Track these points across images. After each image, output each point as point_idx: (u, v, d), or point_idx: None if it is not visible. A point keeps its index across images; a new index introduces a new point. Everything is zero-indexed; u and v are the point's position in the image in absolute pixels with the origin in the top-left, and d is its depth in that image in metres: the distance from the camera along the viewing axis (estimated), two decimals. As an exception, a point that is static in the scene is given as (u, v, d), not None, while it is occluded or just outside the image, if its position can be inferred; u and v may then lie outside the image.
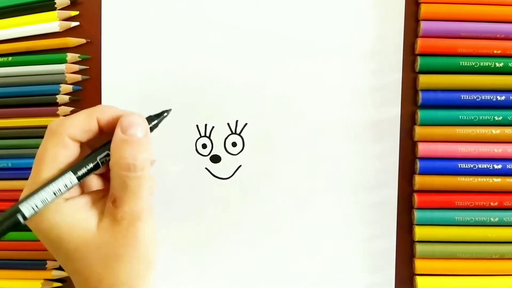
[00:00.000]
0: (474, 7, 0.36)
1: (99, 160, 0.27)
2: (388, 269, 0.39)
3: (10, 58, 0.39)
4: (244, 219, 0.39)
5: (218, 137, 0.39)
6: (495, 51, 0.37)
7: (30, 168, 0.38)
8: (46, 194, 0.26)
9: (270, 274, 0.39)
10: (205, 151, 0.39)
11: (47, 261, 0.39)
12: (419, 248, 0.38)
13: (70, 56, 0.39)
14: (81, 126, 0.27)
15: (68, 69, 0.39)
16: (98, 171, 0.28)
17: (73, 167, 0.27)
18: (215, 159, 0.39)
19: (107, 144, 0.28)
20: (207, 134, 0.39)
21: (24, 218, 0.26)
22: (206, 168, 0.39)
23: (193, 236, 0.39)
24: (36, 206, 0.26)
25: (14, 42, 0.39)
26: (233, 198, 0.39)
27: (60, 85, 0.39)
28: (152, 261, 0.29)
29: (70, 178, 0.26)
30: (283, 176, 0.39)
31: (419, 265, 0.38)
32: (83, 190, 0.30)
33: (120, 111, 0.28)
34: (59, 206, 0.27)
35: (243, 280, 0.39)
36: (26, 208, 0.26)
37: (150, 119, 0.29)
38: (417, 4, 0.37)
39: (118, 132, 0.27)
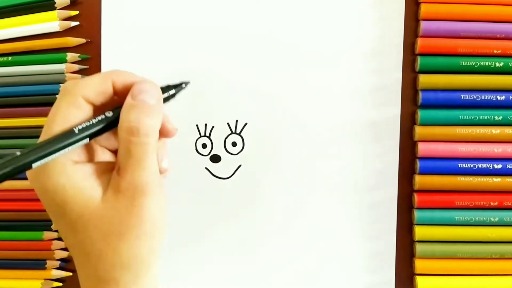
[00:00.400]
0: (474, 7, 0.36)
1: (107, 120, 0.26)
2: (388, 269, 0.39)
3: (10, 58, 0.39)
4: (244, 219, 0.39)
5: (218, 137, 0.39)
6: (495, 51, 0.37)
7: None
8: (56, 144, 0.24)
9: (270, 274, 0.39)
10: (205, 151, 0.39)
11: (47, 261, 0.39)
12: (419, 248, 0.38)
13: (70, 55, 0.39)
14: (95, 87, 0.26)
15: (68, 68, 0.38)
16: (105, 135, 0.27)
17: (82, 124, 0.25)
18: (215, 159, 0.39)
19: (118, 108, 0.26)
20: (207, 134, 0.39)
21: (32, 162, 0.24)
22: (206, 168, 0.39)
23: (193, 235, 0.39)
24: (45, 154, 0.24)
25: (14, 42, 0.39)
26: (233, 198, 0.39)
27: (60, 85, 0.39)
28: (156, 244, 0.26)
29: (79, 134, 0.25)
30: (283, 176, 0.39)
31: (419, 265, 0.38)
32: (93, 158, 0.28)
33: (136, 77, 0.27)
34: (66, 168, 0.25)
35: (243, 280, 0.39)
36: (34, 154, 0.24)
37: (167, 88, 0.28)
38: (417, 4, 0.37)
39: (128, 97, 0.26)
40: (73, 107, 0.26)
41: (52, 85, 0.38)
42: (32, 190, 0.39)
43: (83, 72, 0.39)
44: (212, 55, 0.38)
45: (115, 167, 0.26)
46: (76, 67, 0.39)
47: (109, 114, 0.26)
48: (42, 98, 0.39)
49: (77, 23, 0.39)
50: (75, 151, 0.26)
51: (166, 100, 0.28)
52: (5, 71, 0.39)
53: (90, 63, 0.39)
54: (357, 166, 0.38)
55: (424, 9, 0.37)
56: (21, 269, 0.39)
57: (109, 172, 0.26)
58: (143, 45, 0.38)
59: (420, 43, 0.37)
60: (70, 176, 0.25)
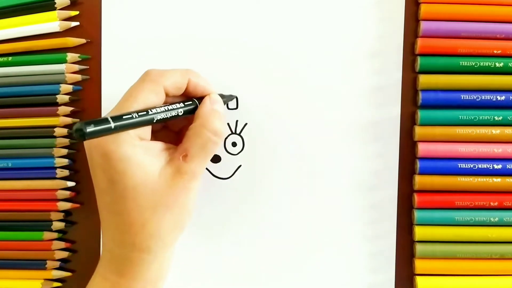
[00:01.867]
0: (474, 7, 0.36)
1: (181, 112, 0.31)
2: (388, 269, 0.39)
3: (10, 58, 0.39)
4: (244, 219, 0.39)
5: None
6: (495, 51, 0.37)
7: (30, 168, 0.39)
8: (135, 120, 0.28)
9: (270, 274, 0.39)
10: (205, 151, 0.39)
11: (47, 261, 0.39)
12: (419, 248, 0.38)
13: (70, 56, 0.39)
14: (176, 81, 0.31)
15: (68, 69, 0.39)
16: (172, 122, 0.32)
17: (161, 108, 0.30)
18: (215, 159, 0.39)
19: (188, 103, 0.32)
20: (207, 134, 0.39)
21: (114, 129, 0.27)
22: (206, 168, 0.39)
23: (192, 235, 0.39)
24: (125, 125, 0.27)
25: (14, 42, 0.39)
26: (233, 198, 0.39)
27: (60, 85, 0.39)
28: (185, 224, 0.31)
29: (157, 116, 0.29)
30: (283, 176, 0.39)
31: (419, 265, 0.38)
32: (153, 138, 0.32)
33: (207, 83, 0.33)
34: (134, 141, 0.29)
35: (243, 280, 0.39)
36: (117, 122, 0.27)
37: (220, 96, 0.34)
38: (417, 4, 0.38)
39: (208, 103, 0.32)
40: (154, 94, 0.30)
41: (52, 86, 0.39)
42: (32, 190, 0.40)
43: (83, 73, 0.39)
44: (212, 55, 0.38)
45: (179, 151, 0.30)
46: (76, 67, 0.39)
47: (187, 107, 0.31)
48: (42, 99, 0.39)
49: (77, 23, 0.39)
50: (142, 129, 0.30)
51: None
52: (5, 71, 0.39)
53: (90, 63, 0.39)
54: (357, 166, 0.38)
55: (424, 9, 0.37)
56: (21, 269, 0.39)
57: (167, 151, 0.31)
58: (143, 45, 0.38)
59: (420, 43, 0.37)
60: (136, 149, 0.29)
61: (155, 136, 0.33)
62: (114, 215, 0.30)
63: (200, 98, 0.33)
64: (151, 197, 0.29)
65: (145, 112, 0.29)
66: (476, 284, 0.38)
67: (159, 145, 0.31)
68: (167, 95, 0.31)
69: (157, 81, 0.30)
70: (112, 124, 0.26)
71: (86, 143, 0.30)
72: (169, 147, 0.31)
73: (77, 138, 0.25)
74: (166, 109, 0.30)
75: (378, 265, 0.39)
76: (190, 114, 0.32)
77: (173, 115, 0.31)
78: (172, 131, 0.35)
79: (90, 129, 0.25)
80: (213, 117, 0.31)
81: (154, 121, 0.29)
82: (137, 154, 0.29)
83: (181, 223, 0.31)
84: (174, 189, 0.29)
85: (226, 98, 0.36)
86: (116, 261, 0.30)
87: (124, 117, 0.27)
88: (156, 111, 0.29)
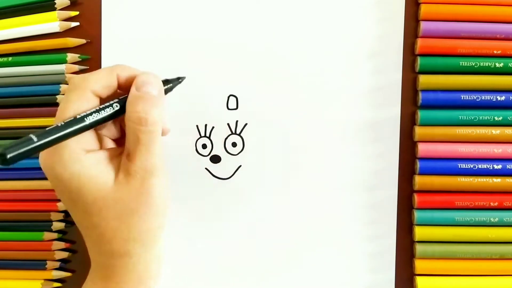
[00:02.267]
0: (474, 7, 0.36)
1: (112, 108, 0.29)
2: (388, 269, 0.39)
3: (10, 58, 0.39)
4: (244, 219, 0.39)
5: (218, 137, 0.39)
6: (495, 51, 0.37)
7: (30, 168, 0.39)
8: (64, 132, 0.26)
9: (270, 274, 0.39)
10: (205, 151, 0.39)
11: (47, 262, 0.39)
12: (419, 248, 0.38)
13: (70, 56, 0.39)
14: (102, 81, 0.29)
15: (68, 69, 0.39)
16: (107, 126, 0.30)
17: (89, 113, 0.28)
18: (215, 159, 0.39)
19: (121, 98, 0.29)
20: (207, 134, 0.39)
21: (40, 146, 0.26)
22: (206, 168, 0.39)
23: (192, 235, 0.39)
24: (51, 141, 0.26)
25: (14, 42, 0.39)
26: (233, 198, 0.39)
27: (60, 85, 0.39)
28: (163, 219, 0.30)
29: (87, 116, 0.27)
30: (283, 177, 0.39)
31: (419, 265, 0.38)
32: (102, 146, 0.31)
33: (138, 71, 0.30)
34: (80, 157, 0.28)
35: (243, 280, 0.39)
36: (40, 136, 0.26)
37: (166, 82, 0.31)
38: (417, 4, 0.37)
39: (133, 89, 0.29)
40: (83, 101, 0.28)
41: (52, 86, 0.39)
42: (32, 190, 0.40)
43: (83, 73, 0.39)
44: (212, 55, 0.38)
45: (124, 152, 0.29)
46: (76, 67, 0.39)
47: (116, 105, 0.29)
48: (43, 99, 0.39)
49: (77, 23, 0.39)
50: (85, 141, 0.28)
51: (164, 93, 0.30)
52: (5, 71, 0.39)
53: (90, 63, 0.39)
54: (357, 166, 0.38)
55: (424, 9, 0.37)
56: (21, 269, 0.39)
57: (116, 158, 0.29)
58: (143, 45, 0.38)
59: (420, 43, 0.37)
60: (84, 163, 0.27)
61: (117, 142, 0.32)
62: (85, 229, 0.29)
63: None
64: (114, 207, 0.28)
65: (71, 119, 0.27)
66: (476, 284, 0.38)
67: (109, 152, 0.29)
68: (100, 97, 0.29)
69: (82, 86, 0.28)
70: (36, 141, 0.25)
71: (42, 167, 0.29)
72: (120, 151, 0.30)
73: (0, 164, 0.24)
74: (97, 109, 0.28)
75: (378, 265, 0.39)
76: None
77: (108, 113, 0.28)
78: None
79: (11, 153, 0.24)
80: (136, 103, 0.28)
81: (87, 124, 0.27)
82: (87, 168, 0.27)
83: (155, 222, 0.29)
84: (132, 192, 0.28)
85: (172, 83, 0.32)
86: (101, 268, 0.30)
87: (48, 130, 0.26)
88: (84, 114, 0.27)
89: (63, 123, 0.27)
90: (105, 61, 0.39)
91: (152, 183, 0.28)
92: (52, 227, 0.39)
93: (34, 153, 0.25)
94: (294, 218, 0.39)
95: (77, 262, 0.40)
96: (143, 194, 0.28)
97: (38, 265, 0.39)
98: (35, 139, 0.25)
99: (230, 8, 0.38)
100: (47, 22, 0.38)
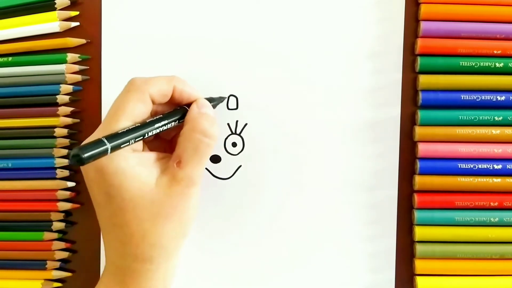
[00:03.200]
0: (474, 7, 0.36)
1: (174, 121, 0.31)
2: (388, 269, 0.39)
3: (10, 58, 0.39)
4: (244, 219, 0.39)
5: (218, 137, 0.39)
6: (495, 51, 0.37)
7: (30, 168, 0.39)
8: (129, 136, 0.28)
9: (270, 274, 0.39)
10: (205, 151, 0.39)
11: (47, 262, 0.39)
12: (419, 248, 0.38)
13: (70, 56, 0.39)
14: (161, 88, 0.31)
15: (68, 69, 0.39)
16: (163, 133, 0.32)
17: (153, 120, 0.30)
18: (215, 159, 0.39)
19: (177, 111, 0.32)
20: (207, 134, 0.39)
21: (110, 150, 0.27)
22: (206, 168, 0.39)
23: (192, 236, 0.39)
24: (120, 145, 0.27)
25: (14, 42, 0.39)
26: (233, 198, 0.39)
27: (60, 85, 0.39)
28: (189, 230, 0.31)
29: (150, 130, 0.29)
30: (283, 176, 0.39)
31: (419, 265, 0.38)
32: (146, 149, 0.32)
33: (193, 89, 0.32)
34: (126, 154, 0.29)
35: (243, 280, 0.39)
36: (113, 143, 0.27)
37: (209, 100, 0.34)
38: (417, 4, 0.38)
39: (195, 107, 0.32)
40: (140, 102, 0.30)
41: (52, 86, 0.39)
42: (32, 190, 0.40)
43: (83, 73, 0.39)
44: (212, 55, 0.38)
45: (173, 159, 0.30)
46: (77, 67, 0.39)
47: (176, 116, 0.31)
48: (43, 99, 0.39)
49: (77, 23, 0.39)
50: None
51: None
52: (5, 71, 0.39)
53: (91, 63, 0.39)
54: (357, 166, 0.38)
55: (424, 9, 0.37)
56: (21, 269, 0.39)
57: (161, 160, 0.31)
58: (143, 45, 0.38)
59: (420, 43, 0.37)
60: (129, 162, 0.29)
61: (148, 146, 0.32)
62: (114, 227, 0.30)
63: (189, 105, 0.33)
64: (150, 208, 0.29)
65: (139, 130, 0.28)
66: (476, 284, 0.38)
67: (152, 155, 0.31)
68: (153, 102, 0.31)
69: (142, 89, 0.30)
70: (109, 146, 0.26)
71: None
72: (163, 156, 0.31)
73: (74, 163, 0.25)
74: (159, 124, 0.30)
75: (378, 265, 0.39)
76: (181, 121, 0.32)
77: (166, 128, 0.31)
78: (164, 139, 0.35)
79: (87, 154, 0.25)
80: (201, 119, 0.31)
81: (147, 136, 0.29)
82: (131, 166, 0.29)
83: (182, 231, 0.30)
84: (172, 198, 0.29)
85: (216, 101, 0.36)
86: (120, 272, 0.30)
87: (119, 139, 0.27)
88: (149, 127, 0.29)
89: (133, 140, 0.28)
90: (105, 61, 0.39)
91: (193, 191, 0.30)
92: (52, 227, 0.39)
93: (102, 156, 0.26)
94: (294, 218, 0.39)
95: (77, 262, 0.40)
96: (182, 201, 0.29)
97: (38, 265, 0.39)
98: (107, 144, 0.26)
99: (230, 8, 0.38)
100: (47, 22, 0.38)
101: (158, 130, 0.30)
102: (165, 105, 0.32)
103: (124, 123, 0.29)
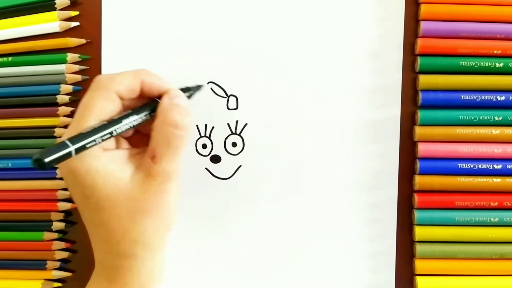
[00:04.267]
0: (474, 7, 0.36)
1: (144, 116, 0.30)
2: (388, 269, 0.39)
3: (10, 58, 0.39)
4: (244, 219, 0.39)
5: (218, 137, 0.39)
6: (495, 51, 0.37)
7: (30, 168, 0.39)
8: (95, 136, 0.27)
9: (270, 274, 0.39)
10: (205, 151, 0.39)
11: (47, 262, 0.39)
12: (419, 248, 0.38)
13: (70, 56, 0.39)
14: (128, 84, 0.30)
15: (68, 69, 0.39)
16: (134, 128, 0.31)
17: (121, 116, 0.29)
18: (215, 159, 0.39)
19: (147, 105, 0.30)
20: (207, 134, 0.39)
21: (75, 152, 0.26)
22: (206, 168, 0.39)
23: (192, 235, 0.39)
24: (85, 145, 0.26)
25: (14, 42, 0.39)
26: (233, 198, 0.39)
27: (60, 85, 0.39)
28: (172, 224, 0.30)
29: (118, 127, 0.28)
30: (283, 176, 0.39)
31: (419, 265, 0.38)
32: (118, 146, 0.31)
33: (162, 81, 0.31)
34: (98, 153, 0.28)
35: (243, 280, 0.39)
36: (77, 144, 0.26)
37: (185, 89, 0.32)
38: (417, 4, 0.38)
39: (166, 98, 0.30)
40: (108, 101, 0.29)
41: (52, 86, 0.39)
42: (32, 190, 0.39)
43: (83, 73, 0.39)
44: (212, 55, 0.38)
45: (147, 154, 0.29)
46: (77, 67, 0.39)
47: (149, 110, 0.30)
48: (43, 99, 0.39)
49: (77, 23, 0.39)
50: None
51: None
52: (5, 71, 0.39)
53: (91, 63, 0.39)
54: (357, 166, 0.38)
55: (424, 9, 0.37)
56: (21, 269, 0.39)
57: (132, 157, 0.30)
58: (143, 45, 0.38)
59: (420, 43, 0.37)
60: (101, 161, 0.28)
61: (128, 142, 0.32)
62: (95, 227, 0.29)
63: (160, 98, 0.31)
64: (127, 205, 0.28)
65: (105, 128, 0.28)
66: (476, 284, 0.38)
67: (125, 152, 0.30)
68: (122, 99, 0.30)
69: (108, 87, 0.29)
70: (72, 148, 0.26)
71: None
72: (137, 152, 0.31)
73: (36, 167, 0.24)
74: (128, 120, 0.29)
75: (378, 265, 0.39)
76: (153, 115, 0.31)
77: (137, 123, 0.30)
78: (145, 134, 0.33)
79: (49, 158, 0.24)
80: (172, 111, 0.30)
81: (116, 133, 0.28)
82: (103, 165, 0.28)
83: (164, 226, 0.30)
84: (149, 193, 0.29)
85: (192, 90, 0.34)
86: (106, 269, 0.30)
87: (83, 139, 0.27)
88: (115, 125, 0.28)
89: (100, 139, 0.27)
90: (105, 61, 0.39)
91: (170, 186, 0.29)
92: (52, 227, 0.39)
93: (66, 159, 0.26)
94: (294, 218, 0.39)
95: (77, 262, 0.40)
96: (159, 196, 0.29)
97: (38, 265, 0.39)
98: (71, 146, 0.26)
99: (230, 8, 0.38)
100: (47, 22, 0.38)
101: (127, 126, 0.29)
102: (137, 99, 0.31)
103: (92, 122, 0.28)
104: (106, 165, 0.28)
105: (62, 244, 0.39)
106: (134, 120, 0.29)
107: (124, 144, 0.32)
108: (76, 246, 0.40)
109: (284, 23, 0.38)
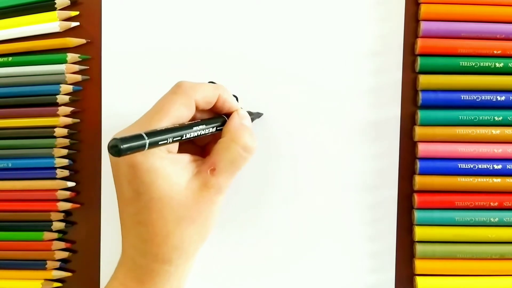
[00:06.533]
0: (474, 7, 0.36)
1: (211, 128, 0.31)
2: (388, 269, 0.39)
3: (10, 58, 0.39)
4: (244, 219, 0.39)
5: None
6: (495, 51, 0.37)
7: (30, 168, 0.39)
8: (168, 135, 0.27)
9: (270, 274, 0.39)
10: (205, 151, 0.39)
11: (47, 262, 0.39)
12: (419, 248, 0.38)
13: (70, 56, 0.39)
14: (207, 96, 0.31)
15: (68, 69, 0.39)
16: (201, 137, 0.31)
17: (192, 123, 0.30)
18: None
19: (216, 119, 0.31)
20: (207, 134, 0.39)
21: (148, 145, 0.26)
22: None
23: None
24: (158, 141, 0.27)
25: (14, 42, 0.39)
26: (233, 198, 0.39)
27: (60, 85, 0.39)
28: (207, 236, 0.31)
29: (188, 132, 0.29)
30: (283, 176, 0.39)
31: (419, 265, 0.38)
32: (180, 151, 0.32)
33: (234, 100, 0.32)
34: (162, 154, 0.29)
35: (243, 280, 0.39)
36: (151, 138, 0.26)
37: (249, 113, 0.33)
38: (417, 4, 0.38)
39: (237, 118, 0.32)
40: (185, 107, 0.30)
41: (52, 86, 0.39)
42: (32, 190, 0.39)
43: (83, 73, 0.39)
44: (212, 54, 0.38)
45: (207, 165, 0.30)
46: (77, 67, 0.39)
47: (218, 124, 0.31)
48: (43, 99, 0.39)
49: (77, 23, 0.39)
50: None
51: None
52: (5, 71, 0.39)
53: (91, 63, 0.39)
54: (357, 166, 0.38)
55: (424, 9, 0.37)
56: (21, 269, 0.39)
57: (191, 164, 0.30)
58: (143, 45, 0.38)
59: (420, 43, 0.37)
60: (164, 161, 0.29)
61: (180, 149, 0.32)
62: (137, 225, 0.29)
63: (227, 115, 0.32)
64: (176, 209, 0.29)
65: (178, 130, 0.28)
66: (476, 284, 0.38)
67: (186, 157, 0.30)
68: (197, 108, 0.31)
69: (189, 94, 0.30)
70: (147, 141, 0.26)
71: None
72: (195, 159, 0.31)
73: (112, 154, 0.25)
74: (198, 128, 0.30)
75: (378, 265, 0.39)
76: (218, 129, 0.32)
77: (204, 133, 0.30)
78: (197, 145, 0.34)
79: (125, 145, 0.25)
80: (243, 131, 0.31)
81: (185, 138, 0.29)
82: (165, 166, 0.29)
83: (203, 236, 0.31)
84: (200, 203, 0.29)
85: (253, 116, 0.36)
86: (137, 269, 0.30)
87: (158, 136, 0.27)
88: (188, 129, 0.29)
89: (171, 139, 0.28)
90: (106, 61, 0.39)
91: (220, 199, 0.30)
92: (52, 227, 0.39)
93: (139, 151, 0.26)
94: (294, 217, 0.39)
95: (77, 262, 0.40)
96: (209, 207, 0.30)
97: (38, 265, 0.39)
98: (146, 139, 0.26)
99: (231, 8, 0.38)
100: (47, 22, 0.38)
101: (196, 134, 0.30)
102: (204, 112, 0.32)
103: (165, 124, 0.29)
104: (167, 167, 0.29)
105: (62, 244, 0.39)
106: (202, 129, 0.30)
107: (182, 150, 0.32)
108: (76, 246, 0.40)
109: (284, 23, 0.38)
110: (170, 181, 0.29)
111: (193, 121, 0.30)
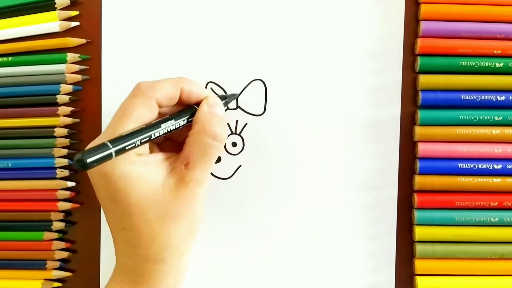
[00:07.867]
0: (474, 7, 0.36)
1: (182, 122, 0.31)
2: (388, 269, 0.39)
3: (10, 58, 0.39)
4: (244, 219, 0.39)
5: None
6: (495, 51, 0.37)
7: (30, 168, 0.39)
8: (135, 139, 0.28)
9: (269, 274, 0.39)
10: (205, 151, 0.39)
11: (47, 262, 0.39)
12: (419, 248, 0.38)
13: (70, 56, 0.39)
14: (167, 93, 0.30)
15: (68, 69, 0.39)
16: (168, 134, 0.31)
17: (159, 120, 0.29)
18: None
19: (185, 111, 0.31)
20: (207, 134, 0.39)
21: (115, 154, 0.26)
22: (206, 168, 0.39)
23: (193, 236, 0.39)
24: (125, 147, 0.27)
25: (14, 42, 0.39)
26: (233, 198, 0.39)
27: (60, 85, 0.39)
28: (197, 229, 0.31)
29: (157, 131, 0.29)
30: (283, 176, 0.39)
31: (419, 265, 0.38)
32: (150, 151, 0.31)
33: (201, 89, 0.32)
34: (131, 158, 0.29)
35: (242, 279, 0.39)
36: (117, 146, 0.27)
37: (221, 97, 0.33)
38: (417, 4, 0.38)
39: (205, 107, 0.31)
40: (147, 108, 0.29)
41: (52, 86, 0.39)
42: (32, 190, 0.39)
43: (83, 73, 0.39)
44: (212, 54, 0.38)
45: (180, 160, 0.30)
46: (77, 67, 0.39)
47: (187, 117, 0.31)
48: (42, 99, 0.39)
49: (77, 23, 0.39)
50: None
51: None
52: (5, 71, 0.39)
53: (91, 63, 0.39)
54: (357, 166, 0.38)
55: (424, 9, 0.37)
56: (21, 269, 0.39)
57: (166, 161, 0.30)
58: (143, 45, 0.38)
59: (420, 43, 0.37)
60: (135, 165, 0.28)
61: (158, 148, 0.32)
62: (123, 231, 0.30)
63: (198, 104, 0.32)
64: (157, 210, 0.29)
65: (144, 132, 0.28)
66: (476, 284, 0.38)
67: (158, 156, 0.30)
68: (160, 106, 0.30)
69: (148, 94, 0.29)
70: (113, 150, 0.26)
71: None
72: (169, 157, 0.31)
73: (78, 168, 0.25)
74: (166, 125, 0.29)
75: (378, 265, 0.39)
76: (190, 121, 0.31)
77: (174, 128, 0.30)
78: (176, 141, 0.34)
79: (91, 158, 0.25)
80: (211, 120, 0.30)
81: (154, 137, 0.29)
82: (136, 170, 0.28)
83: (192, 230, 0.30)
84: (180, 199, 0.29)
85: (228, 98, 0.35)
86: (131, 272, 0.30)
87: (124, 142, 0.27)
88: (154, 129, 0.29)
89: (139, 142, 0.28)
90: (106, 61, 0.39)
91: (200, 192, 0.30)
92: (52, 227, 0.39)
93: (106, 160, 0.26)
94: (294, 217, 0.39)
95: (77, 262, 0.40)
96: (190, 201, 0.29)
97: (38, 265, 0.39)
98: (111, 148, 0.26)
99: (231, 7, 0.38)
100: (47, 22, 0.38)
101: (164, 131, 0.29)
102: (174, 106, 0.32)
103: (129, 128, 0.28)
104: (139, 169, 0.29)
105: (62, 244, 0.39)
106: (172, 125, 0.30)
107: (155, 149, 0.32)
108: (76, 246, 0.40)
109: (283, 23, 0.38)
110: (145, 183, 0.28)
111: (161, 118, 0.30)
